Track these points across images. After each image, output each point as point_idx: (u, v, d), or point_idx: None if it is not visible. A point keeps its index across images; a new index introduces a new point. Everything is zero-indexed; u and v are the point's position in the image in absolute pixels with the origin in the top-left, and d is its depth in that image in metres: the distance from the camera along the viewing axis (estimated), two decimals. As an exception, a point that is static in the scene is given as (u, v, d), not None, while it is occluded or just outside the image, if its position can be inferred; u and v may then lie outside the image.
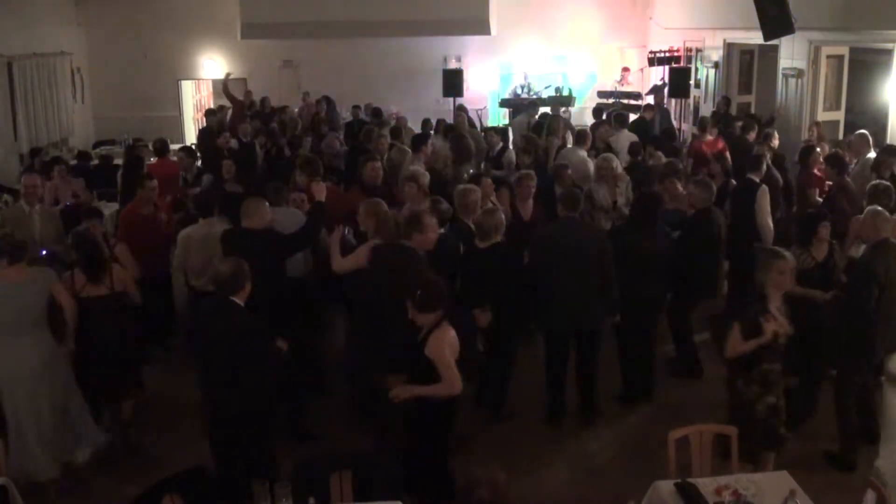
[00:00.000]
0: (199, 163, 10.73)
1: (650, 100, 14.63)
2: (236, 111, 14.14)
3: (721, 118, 12.29)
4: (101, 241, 6.43)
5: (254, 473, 4.33)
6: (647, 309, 6.72)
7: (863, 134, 9.27)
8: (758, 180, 7.93)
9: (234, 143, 11.47)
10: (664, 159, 9.20)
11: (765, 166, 8.20)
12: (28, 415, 5.44)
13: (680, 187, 7.86)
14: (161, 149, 10.34)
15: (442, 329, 4.66)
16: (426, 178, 7.46)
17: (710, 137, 10.88)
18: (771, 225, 7.79)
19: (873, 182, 7.08)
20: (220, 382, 4.93)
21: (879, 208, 5.99)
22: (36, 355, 5.46)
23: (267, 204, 6.24)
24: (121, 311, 6.01)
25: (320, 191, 6.44)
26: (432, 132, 11.79)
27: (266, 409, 5.12)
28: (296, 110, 14.48)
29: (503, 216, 6.37)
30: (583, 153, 9.57)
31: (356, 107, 14.36)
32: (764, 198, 7.79)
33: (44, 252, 7.09)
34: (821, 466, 5.77)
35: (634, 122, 12.95)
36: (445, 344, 4.62)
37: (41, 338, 5.51)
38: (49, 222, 7.55)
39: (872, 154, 8.83)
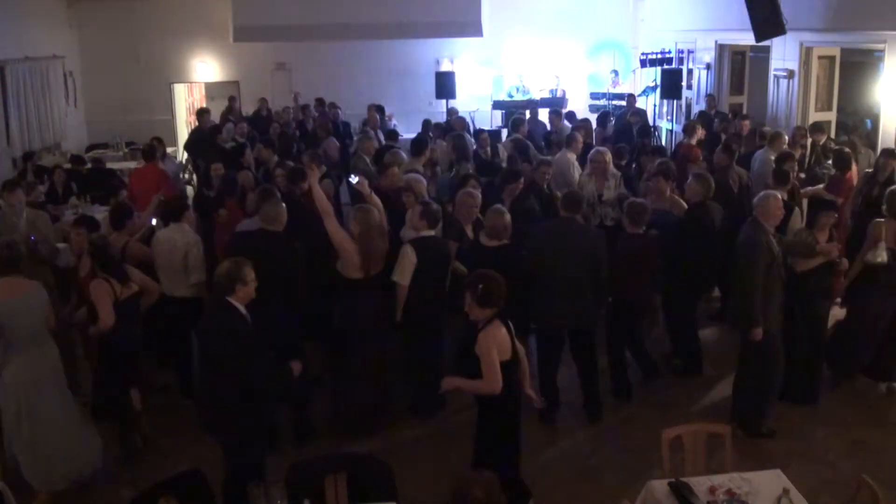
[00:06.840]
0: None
1: (642, 102, 14.66)
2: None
3: (704, 116, 12.39)
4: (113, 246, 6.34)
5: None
6: None
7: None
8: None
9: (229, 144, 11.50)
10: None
11: (791, 179, 7.67)
12: (43, 424, 5.41)
13: (666, 187, 7.67)
14: (148, 153, 9.81)
15: (493, 326, 4.66)
16: (422, 185, 7.44)
17: (694, 140, 10.90)
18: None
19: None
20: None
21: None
22: (48, 364, 5.49)
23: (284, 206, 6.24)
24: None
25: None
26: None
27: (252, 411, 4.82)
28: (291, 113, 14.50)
29: (510, 219, 6.41)
30: (571, 156, 9.56)
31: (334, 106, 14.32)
32: (795, 221, 7.16)
33: (32, 237, 7.13)
34: (815, 464, 5.79)
35: (620, 126, 13.01)
36: (493, 342, 4.63)
37: (49, 349, 5.53)
38: (35, 222, 7.50)
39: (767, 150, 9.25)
